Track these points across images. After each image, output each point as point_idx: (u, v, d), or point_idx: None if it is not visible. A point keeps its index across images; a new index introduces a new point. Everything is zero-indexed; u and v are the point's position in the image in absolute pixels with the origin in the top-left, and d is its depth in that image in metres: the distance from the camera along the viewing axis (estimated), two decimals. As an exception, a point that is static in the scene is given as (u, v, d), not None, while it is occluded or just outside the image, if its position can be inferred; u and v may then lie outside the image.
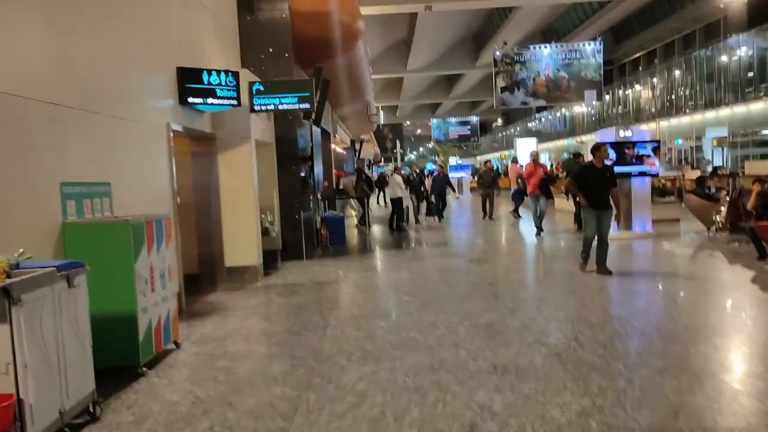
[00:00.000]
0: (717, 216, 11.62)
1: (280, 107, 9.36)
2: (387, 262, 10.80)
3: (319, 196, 13.77)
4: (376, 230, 16.54)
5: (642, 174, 12.06)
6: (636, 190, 12.32)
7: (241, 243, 9.33)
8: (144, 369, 4.96)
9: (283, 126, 11.28)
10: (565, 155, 36.16)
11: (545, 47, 31.91)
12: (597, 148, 8.56)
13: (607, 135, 12.42)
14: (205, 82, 7.91)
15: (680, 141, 32.59)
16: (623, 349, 5.05)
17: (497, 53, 31.13)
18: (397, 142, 47.64)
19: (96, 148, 5.65)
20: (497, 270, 9.14)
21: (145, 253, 5.10)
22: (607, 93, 38.25)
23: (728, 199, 12.01)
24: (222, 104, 8.18)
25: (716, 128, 28.65)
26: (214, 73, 8.00)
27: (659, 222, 13.18)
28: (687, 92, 31.14)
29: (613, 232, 11.52)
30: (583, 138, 29.26)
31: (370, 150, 42.83)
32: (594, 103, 38.72)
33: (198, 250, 9.26)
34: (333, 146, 29.13)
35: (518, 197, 18.05)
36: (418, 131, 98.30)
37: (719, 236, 11.49)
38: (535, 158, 13.85)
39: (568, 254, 10.38)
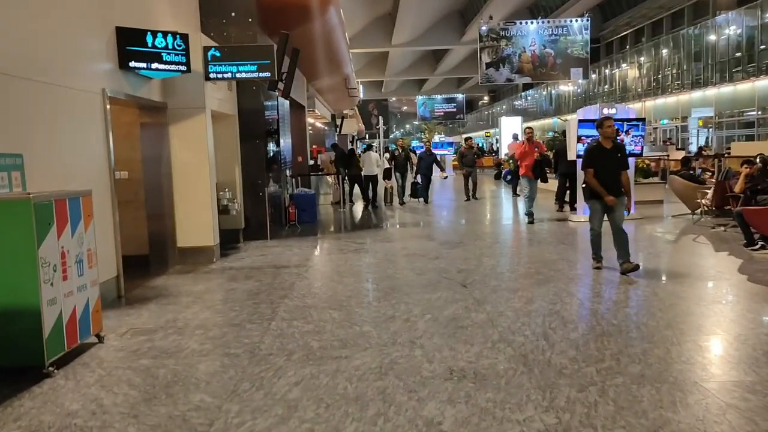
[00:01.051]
0: (702, 198, 11.10)
1: (238, 75, 8.62)
2: (354, 243, 10.18)
3: (288, 173, 13.07)
4: (353, 209, 15.88)
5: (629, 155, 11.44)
6: (619, 170, 11.74)
7: (195, 222, 8.66)
8: (51, 369, 4.31)
9: (246, 97, 10.54)
10: (550, 134, 35.63)
11: (532, 23, 31.16)
12: (601, 123, 7.15)
13: (590, 112, 11.80)
14: (150, 44, 7.16)
15: (665, 121, 32.13)
16: (597, 350, 4.47)
17: (483, 28, 30.32)
18: (380, 118, 46.57)
19: (6, 114, 4.93)
20: (469, 255, 8.54)
21: (54, 235, 4.42)
22: (594, 71, 37.63)
23: (714, 180, 11.49)
24: (169, 70, 7.44)
25: (702, 108, 28.20)
26: (159, 35, 7.24)
27: (642, 204, 12.69)
28: (674, 71, 30.64)
29: (587, 213, 11.00)
30: (568, 117, 28.66)
31: (353, 125, 41.96)
32: (580, 81, 38.13)
33: (148, 229, 8.56)
34: (312, 121, 28.42)
35: (514, 180, 17.09)
36: (404, 108, 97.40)
37: (704, 220, 10.99)
38: (529, 136, 12.17)
39: (546, 238, 9.82)
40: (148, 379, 4.18)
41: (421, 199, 16.37)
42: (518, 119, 36.19)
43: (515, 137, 22.01)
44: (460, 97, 67.53)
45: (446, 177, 18.67)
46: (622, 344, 4.59)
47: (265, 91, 10.87)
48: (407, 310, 5.76)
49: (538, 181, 12.07)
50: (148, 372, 4.32)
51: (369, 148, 17.76)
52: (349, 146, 41.27)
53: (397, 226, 12.35)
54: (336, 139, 32.31)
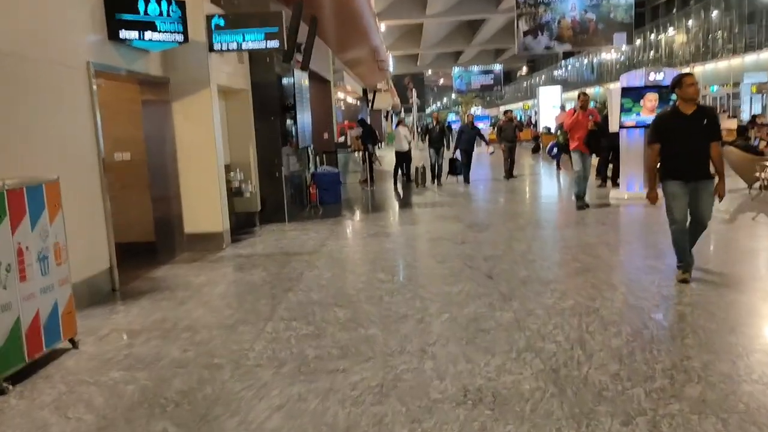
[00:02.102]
0: (761, 172, 10.02)
1: (245, 46, 7.93)
2: (375, 226, 9.49)
3: (309, 151, 12.40)
4: (380, 189, 15.16)
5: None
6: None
7: (203, 206, 8.07)
8: (6, 385, 3.76)
9: (260, 70, 9.84)
10: (592, 104, 34.11)
11: (572, -13, 29.58)
12: (679, 82, 5.30)
13: (635, 78, 10.77)
14: (141, 12, 6.50)
15: (715, 88, 30.33)
16: (646, 363, 3.70)
17: (520, -6, 28.94)
18: (414, 92, 45.45)
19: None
20: (498, 239, 7.77)
21: (7, 230, 3.84)
22: (638, 37, 35.75)
23: (774, 152, 10.40)
24: (165, 40, 6.78)
25: (756, 73, 26.41)
26: (153, 1, 6.58)
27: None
28: (725, 34, 28.80)
29: (639, 191, 10.05)
30: (611, 86, 27.20)
31: (386, 100, 40.99)
32: (624, 47, 36.38)
33: (153, 214, 8.02)
34: (342, 96, 27.65)
35: (558, 153, 15.77)
36: (441, 81, 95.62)
37: (763, 195, 9.92)
38: (583, 103, 10.06)
39: (584, 218, 8.94)
40: (111, 399, 3.58)
41: (460, 178, 14.84)
42: (558, 89, 34.74)
43: (563, 108, 20.37)
44: (497, 68, 65.54)
45: (492, 152, 16.65)
46: (677, 355, 3.80)
47: (281, 63, 10.17)
48: (422, 307, 5.06)
49: (592, 156, 10.35)
50: (114, 389, 3.72)
51: (399, 123, 16.96)
52: (383, 121, 40.42)
53: (424, 206, 11.58)
54: (368, 114, 31.53)
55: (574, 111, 10.02)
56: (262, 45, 7.93)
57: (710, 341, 4.00)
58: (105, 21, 6.30)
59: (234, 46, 7.89)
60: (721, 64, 28.85)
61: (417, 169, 14.70)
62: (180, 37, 6.88)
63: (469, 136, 14.94)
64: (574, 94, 44.02)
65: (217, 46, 7.83)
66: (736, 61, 27.44)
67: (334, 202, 12.14)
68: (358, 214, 11.16)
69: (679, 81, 5.32)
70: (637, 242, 7.28)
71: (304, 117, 11.15)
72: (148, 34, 6.57)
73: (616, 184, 11.71)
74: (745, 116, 26.23)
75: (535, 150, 25.79)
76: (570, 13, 28.92)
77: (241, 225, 9.62)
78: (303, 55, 11.27)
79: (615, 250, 6.89)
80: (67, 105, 5.66)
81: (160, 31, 6.67)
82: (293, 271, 6.60)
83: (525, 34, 29.13)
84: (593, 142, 9.95)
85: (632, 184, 10.82)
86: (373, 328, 4.57)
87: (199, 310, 5.35)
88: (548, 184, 15.13)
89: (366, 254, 7.41)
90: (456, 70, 66.72)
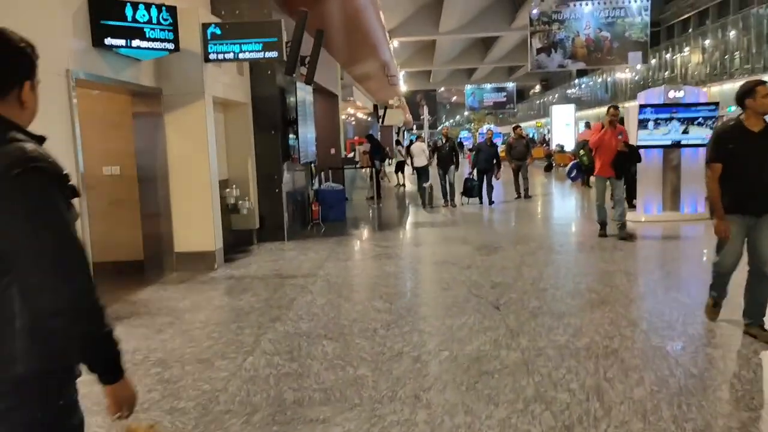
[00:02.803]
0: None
1: (241, 56, 7.54)
2: (378, 246, 9.02)
3: (312, 167, 11.99)
4: (387, 206, 14.71)
5: (698, 145, 9.93)
6: (686, 162, 10.22)
7: (195, 224, 7.65)
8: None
9: (261, 83, 9.46)
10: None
11: (586, 4, 29.11)
12: (751, 90, 4.27)
13: (654, 96, 10.28)
14: (129, 18, 6.13)
15: (732, 108, 29.75)
16: (675, 422, 3.18)
17: (534, 11, 28.52)
18: (425, 108, 45.18)
19: None
20: (508, 264, 7.26)
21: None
22: (654, 56, 35.26)
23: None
24: (154, 48, 6.41)
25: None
26: (141, 6, 6.22)
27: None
28: (742, 54, 28.25)
29: (657, 213, 9.57)
30: (625, 104, 26.67)
31: (398, 116, 40.70)
32: (639, 67, 35.92)
33: (143, 231, 7.61)
34: (352, 111, 27.33)
35: (578, 174, 14.37)
36: (454, 98, 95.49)
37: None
38: (612, 118, 8.48)
39: (599, 242, 8.40)
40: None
41: (476, 200, 13.62)
42: (571, 107, 34.26)
43: (588, 125, 19.22)
44: (510, 86, 65.27)
45: (498, 179, 14.36)
46: (710, 412, 3.27)
47: (284, 76, 9.79)
48: (420, 342, 4.57)
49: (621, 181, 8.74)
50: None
51: (418, 138, 16.54)
52: (394, 137, 40.07)
53: (430, 225, 11.10)
54: (378, 130, 31.19)
55: (602, 127, 8.64)
56: (259, 55, 7.54)
57: (747, 394, 3.48)
58: (89, 27, 5.93)
59: (230, 56, 7.50)
60: (738, 85, 28.22)
61: (424, 188, 13.86)
62: (170, 45, 6.50)
63: (488, 155, 13.50)
64: (588, 113, 43.67)
65: (212, 56, 7.45)
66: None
67: (338, 219, 11.70)
68: (361, 233, 10.70)
69: (751, 89, 4.26)
70: (658, 270, 6.76)
71: (307, 132, 10.74)
72: (135, 42, 6.20)
73: (632, 205, 11.18)
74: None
75: (548, 168, 25.30)
76: (584, 31, 28.49)
77: (238, 243, 9.21)
78: (307, 68, 10.90)
79: (634, 279, 6.36)
80: (41, 116, 5.25)
81: (148, 39, 6.29)
82: (285, 296, 6.12)
83: (538, 51, 28.69)
84: (621, 165, 8.53)
85: (650, 206, 10.30)
86: (363, 368, 4.08)
87: (177, 340, 4.88)
88: (561, 204, 14.61)
89: (365, 278, 6.93)
90: (468, 87, 66.53)
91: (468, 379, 3.82)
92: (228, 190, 8.50)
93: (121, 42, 6.10)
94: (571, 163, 10.21)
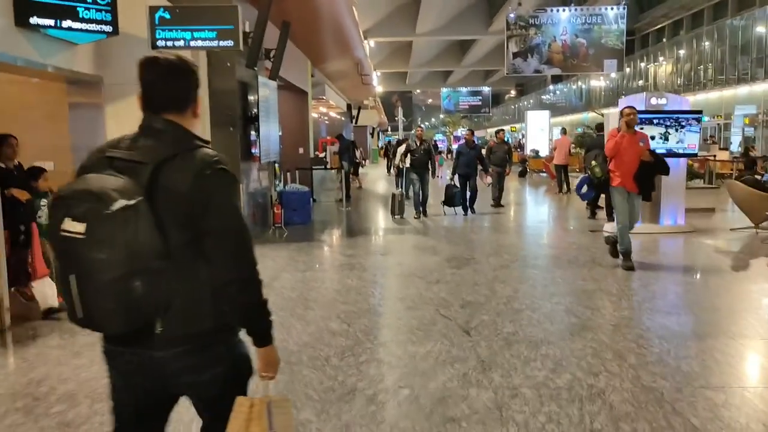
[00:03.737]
0: (771, 211, 9.06)
1: (193, 44, 6.86)
2: (342, 255, 8.39)
3: (276, 167, 11.30)
4: (357, 210, 14.07)
5: (679, 155, 9.50)
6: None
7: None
8: None
9: (219, 75, 8.74)
10: (579, 129, 33.38)
11: (564, 10, 28.94)
12: None
13: (636, 102, 9.80)
14: (59, -5, 5.41)
15: (706, 118, 29.76)
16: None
17: (511, 15, 28.24)
18: (400, 109, 44.66)
19: None
20: (480, 279, 6.69)
21: None
22: (628, 65, 35.22)
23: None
24: (89, 31, 5.70)
25: (745, 106, 25.87)
26: (74, -17, 5.49)
27: (690, 212, 10.60)
28: (715, 65, 28.31)
29: (636, 225, 9.10)
30: (604, 111, 26.30)
31: (373, 117, 40.15)
32: (613, 74, 35.96)
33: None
34: (325, 110, 26.64)
35: (590, 191, 11.70)
36: (429, 101, 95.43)
37: (773, 237, 8.97)
38: (629, 121, 6.98)
39: (577, 257, 7.88)
40: None
41: (459, 210, 12.33)
42: (546, 114, 34.00)
43: (564, 131, 18.29)
44: (486, 90, 65.14)
45: (489, 184, 13.34)
46: (719, 479, 2.71)
47: (244, 68, 9.10)
48: (378, 376, 3.94)
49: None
50: None
51: (403, 141, 15.65)
52: (370, 139, 39.39)
53: (400, 233, 10.48)
54: (351, 130, 30.51)
55: (618, 130, 7.06)
56: (213, 44, 6.87)
57: (761, 454, 2.93)
58: (12, 4, 5.20)
59: (180, 43, 6.81)
60: (712, 95, 28.29)
61: (394, 196, 12.33)
62: (108, 28, 5.80)
63: (468, 158, 12.33)
64: (562, 119, 43.53)
65: (160, 43, 6.75)
66: (728, 93, 26.87)
67: (303, 223, 11.03)
68: (325, 239, 10.04)
69: None
70: (642, 291, 6.23)
71: (270, 129, 10.06)
72: (66, 22, 5.51)
73: (611, 218, 10.71)
74: (734, 147, 25.64)
75: (522, 174, 24.95)
76: (561, 37, 28.32)
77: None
78: (273, 62, 10.22)
79: (616, 300, 5.81)
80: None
81: (82, 20, 5.59)
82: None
83: (515, 55, 28.44)
84: (647, 179, 7.05)
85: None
86: (307, 410, 3.44)
87: (93, 368, 4.18)
88: (536, 213, 14.13)
89: (323, 292, 6.28)
90: (444, 90, 66.32)
91: (430, 427, 3.21)
92: (177, 190, 7.77)
93: (49, 22, 5.39)
94: (580, 178, 8.80)
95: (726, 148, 24.98)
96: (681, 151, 9.65)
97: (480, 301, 5.77)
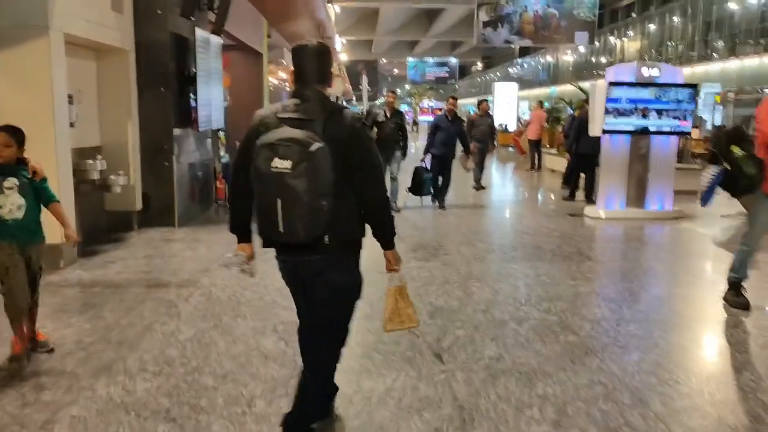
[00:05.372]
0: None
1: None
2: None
3: (222, 136, 10.00)
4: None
5: (672, 132, 8.57)
6: (656, 153, 8.84)
7: (36, 206, 5.61)
8: None
9: (149, 26, 7.41)
10: (546, 104, 32.42)
11: (536, -22, 27.85)
12: None
13: (626, 73, 8.80)
14: None
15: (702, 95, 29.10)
16: None
17: (482, -18, 27.03)
18: (365, 77, 43.15)
19: None
20: (452, 276, 5.63)
21: None
22: (597, 40, 34.42)
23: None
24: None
25: (711, 84, 25.30)
26: None
27: (679, 194, 9.59)
28: (685, 42, 27.69)
29: (620, 209, 8.13)
30: (585, 84, 25.03)
31: (338, 86, 38.59)
32: (583, 48, 35.21)
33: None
34: (284, 75, 25.07)
35: (709, 193, 8.01)
36: (395, 71, 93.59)
37: None
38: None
39: (562, 247, 6.87)
40: None
41: (429, 199, 9.71)
42: (514, 86, 33.04)
43: (541, 104, 16.89)
44: (453, 61, 63.92)
45: (470, 169, 11.04)
46: None
47: (179, 18, 7.75)
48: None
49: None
50: None
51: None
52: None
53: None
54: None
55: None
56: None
57: None
58: None
59: (88, -22, 5.46)
60: (684, 72, 27.67)
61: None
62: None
63: (448, 134, 9.55)
64: (528, 92, 42.65)
65: (61, -23, 5.39)
66: (699, 69, 26.27)
67: (250, 201, 9.79)
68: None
69: None
70: (644, 294, 5.27)
71: (212, 93, 8.73)
72: None
73: (590, 200, 9.78)
74: (707, 126, 25.11)
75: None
76: (533, 7, 27.21)
77: (113, 228, 7.27)
78: (217, 14, 8.87)
79: (616, 309, 4.80)
80: None
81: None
82: (138, 322, 4.27)
83: (485, 25, 27.23)
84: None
85: (612, 200, 8.89)
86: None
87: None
88: (508, 193, 13.14)
89: (261, 293, 5.10)
90: (411, 60, 64.78)
91: None
92: (90, 161, 6.45)
93: None
94: (712, 175, 4.87)
95: (698, 126, 24.43)
96: (670, 129, 8.73)
97: (453, 306, 4.71)
